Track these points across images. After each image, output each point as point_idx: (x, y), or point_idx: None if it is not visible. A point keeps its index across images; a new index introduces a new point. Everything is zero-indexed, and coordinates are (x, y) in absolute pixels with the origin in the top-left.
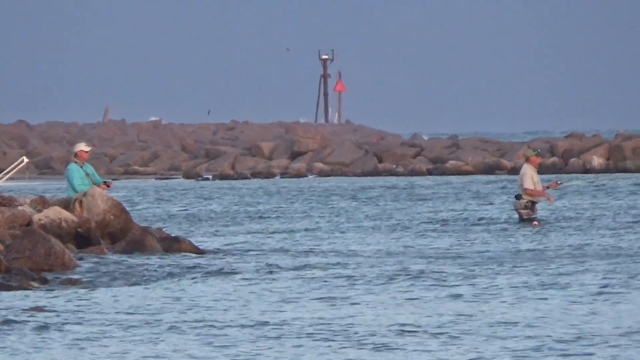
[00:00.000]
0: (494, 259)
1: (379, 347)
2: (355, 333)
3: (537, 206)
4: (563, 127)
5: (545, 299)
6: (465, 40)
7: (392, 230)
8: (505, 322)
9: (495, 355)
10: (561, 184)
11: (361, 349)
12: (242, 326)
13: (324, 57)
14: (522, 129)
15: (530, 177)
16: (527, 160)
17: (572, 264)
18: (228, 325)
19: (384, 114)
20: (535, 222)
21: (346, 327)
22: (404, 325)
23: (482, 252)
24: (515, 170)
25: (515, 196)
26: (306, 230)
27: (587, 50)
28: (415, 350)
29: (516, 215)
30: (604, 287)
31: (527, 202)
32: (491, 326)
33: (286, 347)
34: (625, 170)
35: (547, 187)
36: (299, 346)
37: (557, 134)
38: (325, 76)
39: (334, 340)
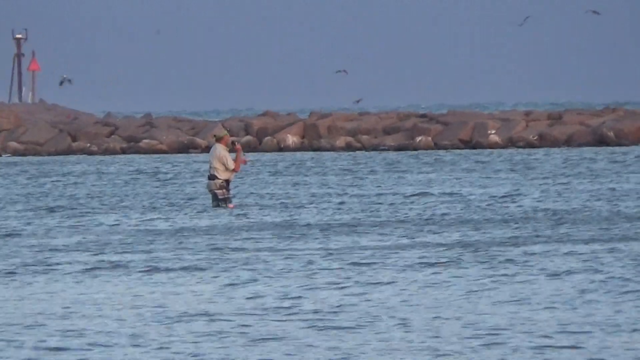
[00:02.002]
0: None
1: None
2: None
3: (232, 186)
4: (260, 106)
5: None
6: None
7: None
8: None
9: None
10: (249, 161)
11: None
12: None
13: (18, 36)
14: (215, 107)
15: (228, 157)
16: (219, 140)
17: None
18: None
19: (78, 94)
20: (230, 205)
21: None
22: None
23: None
24: (209, 149)
25: (209, 177)
26: None
27: (279, 33)
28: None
29: (210, 197)
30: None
31: (222, 182)
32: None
33: None
34: (320, 149)
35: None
36: None
37: (251, 113)
38: (19, 55)
39: None
